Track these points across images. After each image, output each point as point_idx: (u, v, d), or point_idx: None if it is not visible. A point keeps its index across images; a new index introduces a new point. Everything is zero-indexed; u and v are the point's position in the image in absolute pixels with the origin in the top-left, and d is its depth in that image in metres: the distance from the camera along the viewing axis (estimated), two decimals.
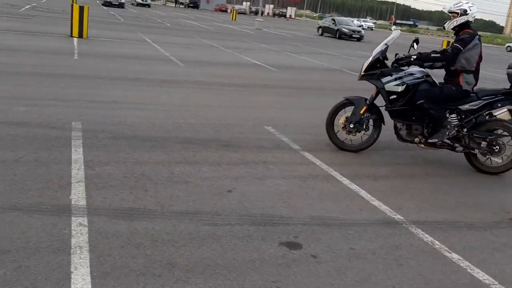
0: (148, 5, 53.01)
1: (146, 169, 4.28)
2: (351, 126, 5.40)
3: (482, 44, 5.32)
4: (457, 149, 5.24)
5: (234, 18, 44.66)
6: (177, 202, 3.67)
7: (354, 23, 41.31)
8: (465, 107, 5.17)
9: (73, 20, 14.18)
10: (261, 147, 5.34)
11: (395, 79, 5.24)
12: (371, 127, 5.54)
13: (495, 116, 5.17)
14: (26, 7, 27.06)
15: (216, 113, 6.80)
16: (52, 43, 12.56)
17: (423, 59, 5.17)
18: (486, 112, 5.18)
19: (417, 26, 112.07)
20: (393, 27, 68.55)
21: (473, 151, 5.19)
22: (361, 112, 5.37)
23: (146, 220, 3.31)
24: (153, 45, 15.08)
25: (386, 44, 5.33)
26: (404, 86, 5.20)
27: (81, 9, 14.12)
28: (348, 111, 5.53)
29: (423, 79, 5.24)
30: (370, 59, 5.37)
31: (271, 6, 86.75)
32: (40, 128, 5.13)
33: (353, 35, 31.45)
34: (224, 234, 3.22)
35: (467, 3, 5.17)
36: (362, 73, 5.44)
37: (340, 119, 5.48)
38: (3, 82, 7.16)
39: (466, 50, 5.04)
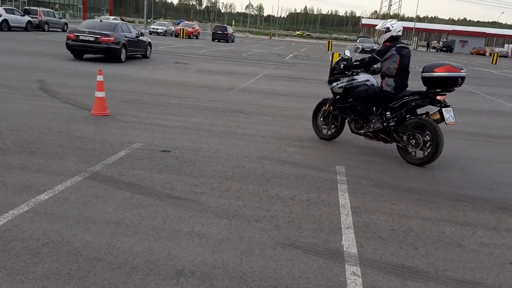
0: None
1: (413, 224, 4.08)
2: (321, 119, 7.09)
3: None
4: (389, 141, 6.25)
5: (494, 62, 40.73)
6: (452, 267, 3.34)
7: None
8: (390, 105, 6.11)
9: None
10: None
11: (339, 83, 6.60)
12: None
13: (429, 115, 5.90)
14: (290, 56, 30.48)
15: (486, 169, 6.12)
16: (313, 88, 13.65)
17: (348, 67, 6.52)
18: (424, 112, 6.05)
19: None
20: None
21: (398, 144, 6.11)
22: (325, 109, 6.94)
23: (419, 281, 3.10)
24: None
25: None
26: (342, 89, 6.58)
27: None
28: None
29: (361, 83, 6.38)
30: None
31: None
32: (309, 169, 5.49)
33: None
34: None
35: (390, 21, 6.27)
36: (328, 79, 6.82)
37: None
38: (275, 124, 8.03)
39: (384, 59, 6.12)
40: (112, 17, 46.16)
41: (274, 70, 18.74)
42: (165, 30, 46.81)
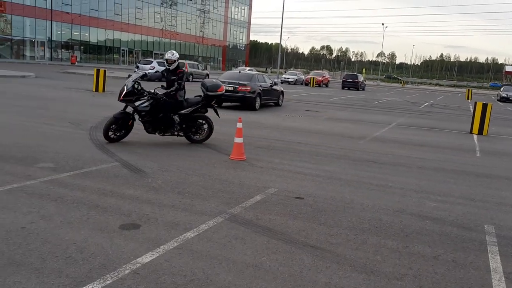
0: None
1: None
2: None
3: None
4: (179, 134, 9.00)
5: None
6: None
7: None
8: (183, 112, 8.82)
9: (475, 117, 14.15)
10: None
11: (143, 102, 8.46)
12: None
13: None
14: (425, 104, 29.19)
15: None
16: (452, 139, 12.82)
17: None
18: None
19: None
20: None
21: (188, 134, 9.06)
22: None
23: None
24: None
25: (133, 81, 8.46)
26: (149, 107, 8.51)
27: (484, 106, 13.97)
28: None
29: (152, 100, 8.54)
30: (126, 89, 8.28)
31: None
32: (453, 226, 5.09)
33: None
34: None
35: (174, 53, 9.01)
36: (122, 98, 8.34)
37: None
38: (411, 176, 7.65)
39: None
40: (248, 68, 49.25)
41: (408, 119, 18.07)
42: (296, 79, 48.39)
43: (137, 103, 8.36)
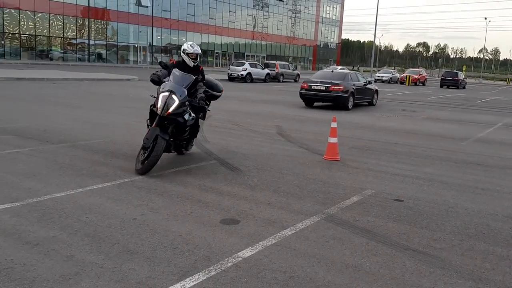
0: None
1: None
2: None
3: None
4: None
5: None
6: None
7: None
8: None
9: None
10: None
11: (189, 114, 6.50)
12: None
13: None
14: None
15: None
16: None
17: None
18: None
19: None
20: None
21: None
22: None
23: None
24: None
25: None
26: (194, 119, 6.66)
27: None
28: None
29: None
30: (178, 100, 6.19)
31: None
32: None
33: None
34: None
35: (195, 45, 6.96)
36: (170, 112, 6.18)
37: None
38: (477, 173, 7.06)
39: None
40: (340, 67, 48.60)
41: None
42: (390, 78, 46.75)
43: (186, 117, 6.42)
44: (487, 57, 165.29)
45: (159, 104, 6.17)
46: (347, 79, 17.04)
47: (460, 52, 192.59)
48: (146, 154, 6.14)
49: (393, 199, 5.61)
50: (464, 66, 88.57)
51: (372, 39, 51.75)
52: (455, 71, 47.74)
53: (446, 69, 62.05)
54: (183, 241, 3.98)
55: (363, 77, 19.02)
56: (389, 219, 4.85)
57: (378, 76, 46.67)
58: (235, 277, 3.36)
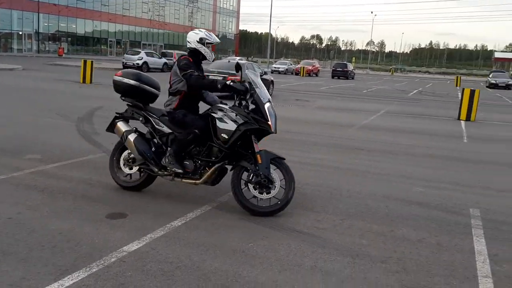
0: None
1: None
2: None
3: None
4: None
5: None
6: None
7: None
8: None
9: (463, 103, 14.26)
10: None
11: None
12: None
13: None
14: (414, 92, 29.33)
15: None
16: (440, 126, 12.91)
17: None
18: None
19: None
20: None
21: None
22: None
23: None
24: None
25: None
26: None
27: (472, 92, 14.07)
28: None
29: None
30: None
31: None
32: (438, 210, 5.15)
33: None
34: None
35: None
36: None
37: None
38: (399, 162, 7.71)
39: None
40: (238, 58, 49.04)
41: (397, 107, 18.17)
42: (286, 69, 48.29)
43: None
44: (374, 50, 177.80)
45: (273, 120, 4.69)
46: (244, 70, 17.25)
47: (350, 44, 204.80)
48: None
49: None
50: (354, 58, 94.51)
51: (269, 31, 52.95)
52: (345, 62, 50.69)
53: (337, 61, 65.58)
54: (64, 238, 3.74)
55: (259, 68, 19.42)
56: None
57: (275, 67, 47.97)
58: (118, 272, 3.24)
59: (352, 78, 45.32)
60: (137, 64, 31.26)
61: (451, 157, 8.42)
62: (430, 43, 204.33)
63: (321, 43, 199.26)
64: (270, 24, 49.30)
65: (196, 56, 5.02)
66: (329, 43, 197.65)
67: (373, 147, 8.94)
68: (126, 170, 5.24)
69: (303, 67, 45.61)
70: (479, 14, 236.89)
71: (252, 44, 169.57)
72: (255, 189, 4.61)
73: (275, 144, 8.47)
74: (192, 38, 5.01)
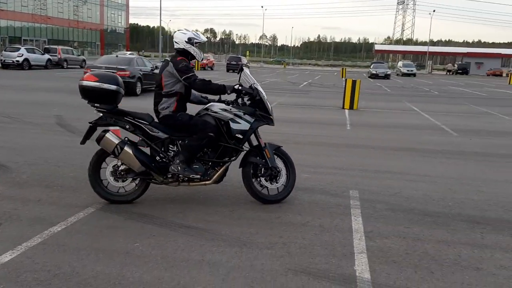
0: (414, 75, 53.06)
1: (429, 248, 3.98)
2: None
3: None
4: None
5: (510, 82, 40.39)
6: None
7: None
8: None
9: (346, 93, 15.24)
10: None
11: None
12: None
13: None
14: (304, 84, 30.69)
15: (503, 190, 5.99)
16: (326, 115, 13.67)
17: None
18: None
19: None
20: None
21: None
22: None
23: None
24: (421, 114, 14.78)
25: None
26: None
27: (354, 83, 15.08)
28: None
29: None
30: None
31: None
32: (321, 194, 5.45)
33: None
34: None
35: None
36: None
37: None
38: (288, 150, 8.01)
39: None
40: (129, 52, 47.35)
41: (288, 98, 18.86)
42: None
43: None
44: (267, 43, 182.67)
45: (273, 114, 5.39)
46: (133, 64, 16.73)
47: (244, 38, 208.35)
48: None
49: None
50: (248, 52, 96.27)
51: (160, 24, 51.79)
52: (239, 56, 51.43)
53: (231, 55, 66.28)
54: None
55: (150, 62, 18.94)
56: (166, 200, 4.94)
57: None
58: None
59: None
60: (17, 61, 28.87)
61: (335, 143, 8.96)
62: (318, 36, 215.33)
63: (215, 36, 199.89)
64: (160, 17, 48.57)
65: (185, 57, 4.85)
66: (223, 37, 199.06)
67: (264, 137, 9.16)
68: (118, 184, 4.74)
69: (197, 61, 45.31)
70: (360, 9, 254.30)
71: (144, 38, 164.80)
72: (266, 181, 4.98)
73: None
74: (180, 38, 4.85)
